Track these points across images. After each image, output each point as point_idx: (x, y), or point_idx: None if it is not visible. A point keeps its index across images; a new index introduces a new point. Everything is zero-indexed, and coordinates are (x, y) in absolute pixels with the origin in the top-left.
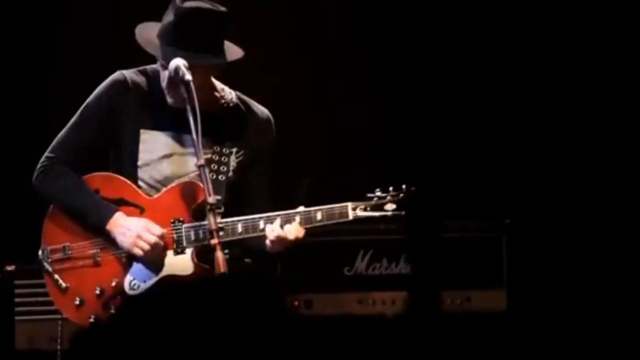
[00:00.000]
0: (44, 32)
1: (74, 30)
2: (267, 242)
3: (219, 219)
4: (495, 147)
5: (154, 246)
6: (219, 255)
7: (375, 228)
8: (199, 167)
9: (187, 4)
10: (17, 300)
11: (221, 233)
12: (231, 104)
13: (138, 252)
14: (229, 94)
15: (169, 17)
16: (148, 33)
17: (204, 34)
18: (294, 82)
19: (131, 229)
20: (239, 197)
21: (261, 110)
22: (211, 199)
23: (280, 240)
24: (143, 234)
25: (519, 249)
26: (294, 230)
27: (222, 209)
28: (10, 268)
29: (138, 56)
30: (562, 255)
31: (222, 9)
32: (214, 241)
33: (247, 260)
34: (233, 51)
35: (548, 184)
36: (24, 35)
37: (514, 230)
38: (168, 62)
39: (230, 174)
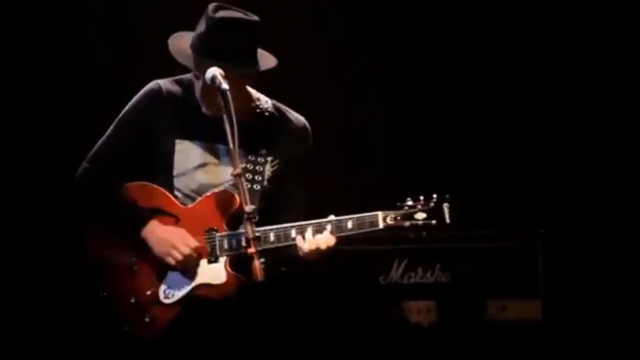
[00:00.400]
0: (59, 39)
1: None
2: (300, 251)
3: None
4: (531, 155)
5: (186, 257)
6: (256, 263)
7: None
8: (236, 175)
9: (219, 14)
10: None
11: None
12: (266, 113)
13: (171, 261)
14: (265, 102)
15: (201, 27)
16: (181, 43)
17: (236, 44)
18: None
19: (166, 238)
20: (274, 206)
21: (297, 118)
22: (248, 208)
23: (312, 249)
24: (178, 245)
25: (554, 258)
26: (325, 239)
27: (257, 218)
28: None
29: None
30: (597, 264)
31: (255, 18)
32: (252, 250)
33: (283, 268)
34: (266, 59)
35: (584, 192)
36: (39, 41)
37: (549, 239)
38: (201, 72)
39: (265, 183)
